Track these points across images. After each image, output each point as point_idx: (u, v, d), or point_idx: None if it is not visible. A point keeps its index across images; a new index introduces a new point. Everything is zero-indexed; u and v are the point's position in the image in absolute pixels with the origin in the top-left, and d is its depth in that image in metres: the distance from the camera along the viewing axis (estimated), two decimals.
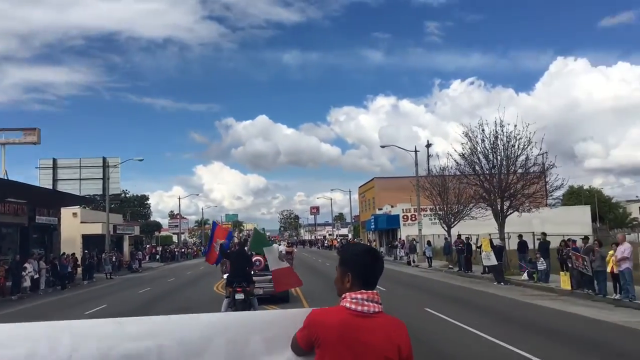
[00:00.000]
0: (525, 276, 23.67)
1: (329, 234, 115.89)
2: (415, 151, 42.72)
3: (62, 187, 44.27)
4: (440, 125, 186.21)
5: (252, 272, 14.23)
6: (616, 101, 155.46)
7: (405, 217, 54.50)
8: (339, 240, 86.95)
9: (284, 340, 2.84)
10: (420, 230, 41.83)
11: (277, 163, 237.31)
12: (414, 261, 38.79)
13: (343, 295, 2.65)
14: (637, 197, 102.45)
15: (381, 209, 63.37)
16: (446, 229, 35.90)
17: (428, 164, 43.98)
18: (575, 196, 73.11)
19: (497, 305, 17.18)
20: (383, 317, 2.61)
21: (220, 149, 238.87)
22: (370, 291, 2.62)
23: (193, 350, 2.83)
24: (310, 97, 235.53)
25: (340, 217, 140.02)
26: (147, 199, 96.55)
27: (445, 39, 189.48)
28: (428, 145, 46.11)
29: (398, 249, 45.89)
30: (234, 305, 12.94)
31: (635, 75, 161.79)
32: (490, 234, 27.18)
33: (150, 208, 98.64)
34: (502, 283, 23.46)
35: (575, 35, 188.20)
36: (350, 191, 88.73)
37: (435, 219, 38.71)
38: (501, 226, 26.89)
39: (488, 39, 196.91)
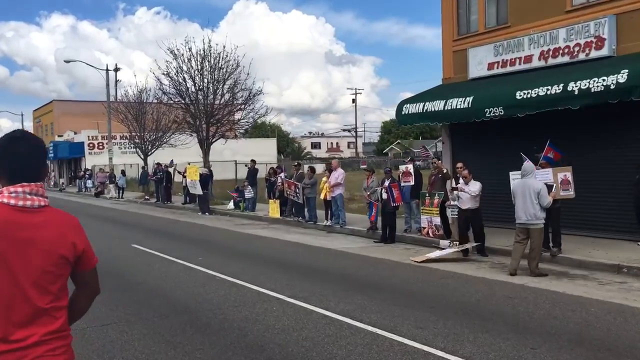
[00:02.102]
0: (231, 205, 22.86)
1: None
2: (107, 70, 37.94)
3: None
4: (125, 52, 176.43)
5: None
6: (289, 47, 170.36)
7: (91, 144, 49.64)
8: None
9: None
10: (110, 159, 37.88)
11: None
12: (108, 192, 34.88)
13: None
14: (305, 134, 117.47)
15: (62, 136, 56.27)
16: (142, 157, 32.96)
17: (116, 89, 39.52)
18: (258, 130, 77.62)
19: (212, 236, 15.76)
20: (52, 212, 2.30)
21: None
22: (32, 183, 2.25)
23: None
24: None
25: None
26: None
27: None
28: (116, 69, 41.14)
29: (84, 180, 41.07)
30: None
31: (306, 24, 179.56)
32: (190, 162, 25.52)
33: None
34: (207, 213, 22.21)
35: None
36: (22, 115, 76.82)
37: (129, 146, 35.31)
38: (206, 154, 25.47)
39: None
